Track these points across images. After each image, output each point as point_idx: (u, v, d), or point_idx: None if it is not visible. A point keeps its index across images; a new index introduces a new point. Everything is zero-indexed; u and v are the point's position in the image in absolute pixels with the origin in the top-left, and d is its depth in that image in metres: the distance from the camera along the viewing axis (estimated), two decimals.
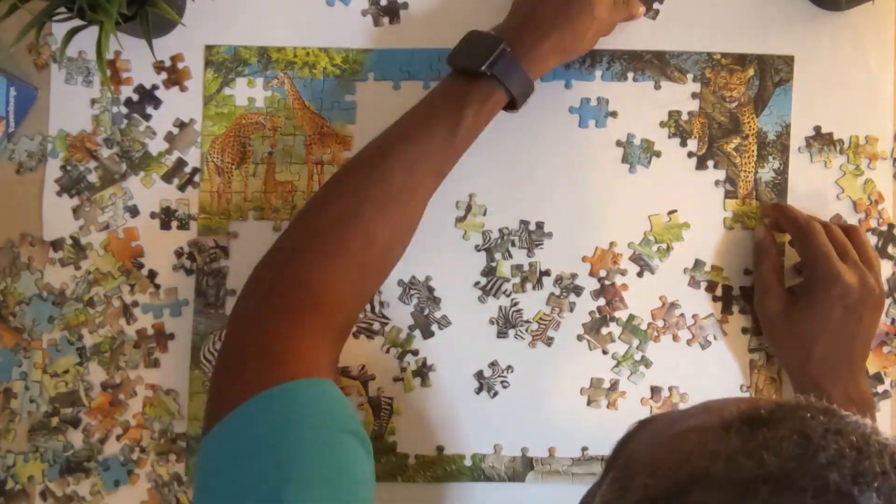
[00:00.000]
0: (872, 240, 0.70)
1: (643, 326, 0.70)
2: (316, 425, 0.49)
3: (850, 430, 0.32)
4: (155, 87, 0.71)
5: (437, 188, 0.63)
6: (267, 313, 0.56)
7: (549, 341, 0.70)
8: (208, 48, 0.71)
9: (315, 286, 0.56)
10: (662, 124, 0.71)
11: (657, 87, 0.71)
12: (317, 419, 0.49)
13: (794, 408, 0.34)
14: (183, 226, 0.71)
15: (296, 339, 0.53)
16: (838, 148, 0.71)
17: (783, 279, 0.67)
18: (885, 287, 0.70)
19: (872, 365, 0.70)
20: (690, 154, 0.71)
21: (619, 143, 0.70)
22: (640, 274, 0.70)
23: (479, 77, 0.60)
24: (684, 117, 0.71)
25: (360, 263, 0.59)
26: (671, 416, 0.42)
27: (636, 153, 0.70)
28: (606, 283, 0.70)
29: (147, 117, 0.71)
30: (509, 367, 0.70)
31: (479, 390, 0.69)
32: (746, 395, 0.69)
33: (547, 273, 0.70)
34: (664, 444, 0.38)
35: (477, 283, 0.70)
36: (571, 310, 0.70)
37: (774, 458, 0.31)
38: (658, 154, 0.70)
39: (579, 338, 0.70)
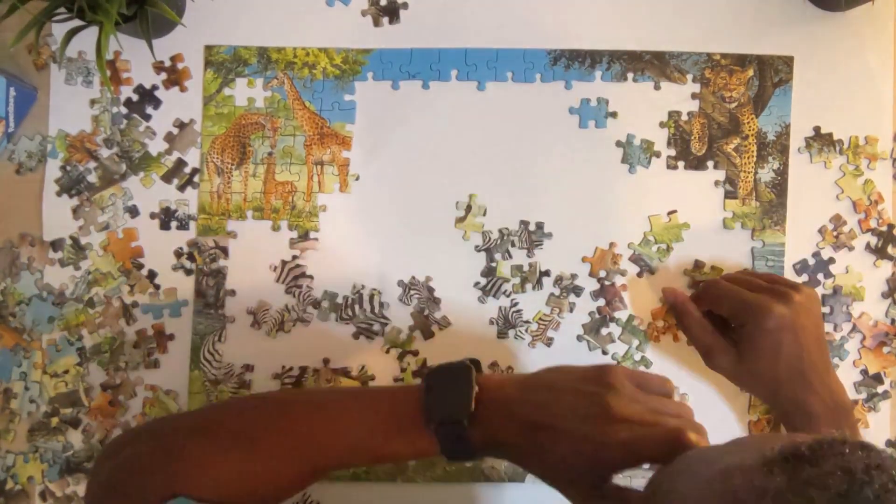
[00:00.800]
0: (872, 240, 0.70)
1: (643, 327, 0.70)
2: None
3: (890, 465, 0.33)
4: (155, 87, 0.71)
5: (314, 481, 0.55)
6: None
7: (549, 342, 0.70)
8: (208, 48, 0.71)
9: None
10: (662, 125, 0.71)
11: (657, 87, 0.71)
12: None
13: (832, 443, 0.34)
14: (182, 226, 0.71)
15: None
16: (838, 148, 0.71)
17: (714, 331, 0.64)
18: (885, 287, 0.70)
19: (872, 365, 0.70)
20: (690, 154, 0.71)
21: (618, 144, 0.70)
22: (639, 274, 0.70)
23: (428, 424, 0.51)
24: (684, 118, 0.71)
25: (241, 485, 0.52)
26: (705, 454, 0.41)
27: (636, 153, 0.70)
28: (606, 283, 0.70)
29: (147, 117, 0.71)
30: (509, 368, 0.70)
31: None
32: (746, 395, 0.69)
33: (547, 273, 0.70)
34: (707, 484, 0.37)
35: (477, 284, 0.70)
36: (571, 310, 0.70)
37: (822, 495, 0.32)
38: (658, 154, 0.70)
39: (579, 338, 0.70)
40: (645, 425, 0.49)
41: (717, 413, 0.69)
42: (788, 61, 0.71)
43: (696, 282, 0.70)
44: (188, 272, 0.70)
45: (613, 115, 0.70)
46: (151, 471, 0.52)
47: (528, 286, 0.70)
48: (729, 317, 0.64)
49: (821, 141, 0.71)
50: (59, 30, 0.71)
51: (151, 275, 0.70)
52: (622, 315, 0.70)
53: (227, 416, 0.56)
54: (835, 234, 0.70)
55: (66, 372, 0.70)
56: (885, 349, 0.70)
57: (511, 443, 0.51)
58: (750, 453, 0.36)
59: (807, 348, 0.61)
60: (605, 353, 0.70)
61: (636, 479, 0.66)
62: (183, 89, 0.71)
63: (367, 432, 0.53)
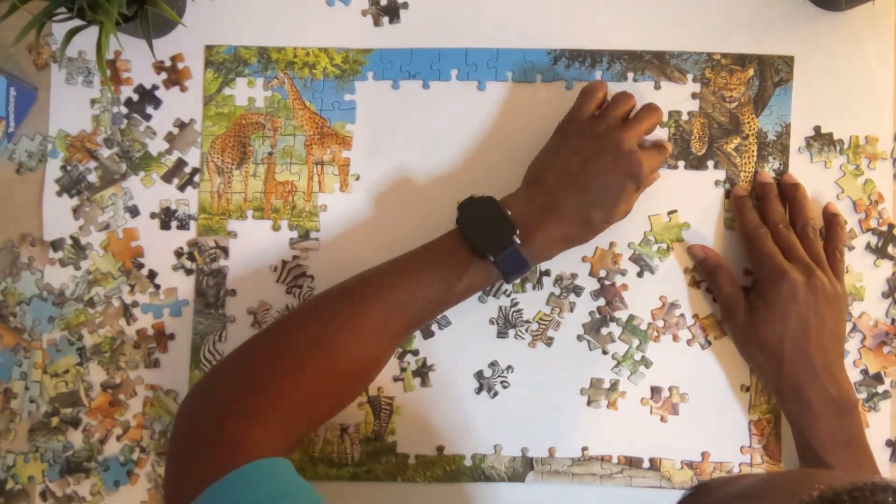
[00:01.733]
0: (873, 240, 0.70)
1: (643, 326, 0.70)
2: None
3: None
4: (155, 87, 0.71)
5: (409, 336, 0.67)
6: (219, 418, 0.56)
7: (549, 341, 0.70)
8: (208, 48, 0.71)
9: (267, 407, 0.57)
10: (662, 124, 0.71)
11: (657, 87, 0.71)
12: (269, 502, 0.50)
13: (872, 488, 0.33)
14: (183, 226, 0.71)
15: (246, 430, 0.55)
16: (838, 148, 0.71)
17: (741, 289, 0.67)
18: (885, 287, 0.70)
19: (872, 365, 0.70)
20: (690, 154, 0.71)
21: None
22: (640, 274, 0.70)
23: (484, 256, 0.61)
24: (684, 117, 0.71)
25: (315, 391, 0.59)
26: (735, 490, 0.41)
27: None
28: (606, 283, 0.70)
29: (147, 117, 0.71)
30: (509, 367, 0.70)
31: (479, 390, 0.69)
32: (746, 395, 0.69)
33: (547, 273, 0.70)
34: None
35: None
36: (571, 310, 0.70)
37: None
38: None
39: (579, 338, 0.70)
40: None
41: (717, 413, 0.69)
42: (789, 61, 0.71)
43: (696, 281, 0.70)
44: (188, 272, 0.70)
45: None
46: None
47: (529, 286, 0.70)
48: (753, 269, 0.67)
49: (821, 141, 0.71)
50: (59, 29, 0.71)
51: (152, 275, 0.70)
52: (622, 315, 0.70)
53: (299, 326, 0.61)
54: None
55: (66, 372, 0.70)
56: (886, 349, 0.70)
57: (564, 239, 0.63)
58: (788, 498, 0.35)
59: (818, 332, 0.62)
60: (605, 352, 0.70)
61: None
62: (183, 89, 0.71)
63: (439, 285, 0.61)
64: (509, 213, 0.61)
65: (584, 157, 0.63)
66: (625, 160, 0.62)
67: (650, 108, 0.66)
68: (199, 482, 0.51)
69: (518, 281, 0.70)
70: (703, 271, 0.69)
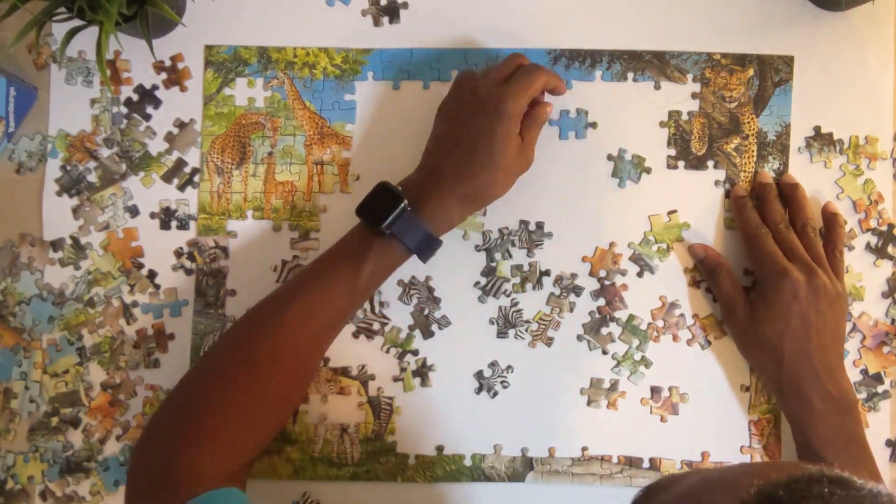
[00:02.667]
0: (873, 240, 0.70)
1: (643, 326, 0.70)
2: None
3: (869, 502, 0.33)
4: (155, 87, 0.71)
5: (333, 340, 0.66)
6: (164, 456, 0.59)
7: (549, 341, 0.70)
8: (208, 48, 0.71)
9: (206, 436, 0.59)
10: (662, 124, 0.71)
11: (657, 87, 0.71)
12: None
13: (808, 481, 0.34)
14: (183, 226, 0.71)
15: (189, 463, 0.57)
16: (838, 148, 0.71)
17: (742, 287, 0.67)
18: (885, 287, 0.70)
19: (872, 365, 0.70)
20: (690, 154, 0.71)
21: (609, 158, 0.70)
22: (640, 274, 0.70)
23: (381, 233, 0.61)
24: (684, 117, 0.71)
25: (249, 410, 0.60)
26: (680, 491, 0.41)
27: (626, 168, 0.70)
28: (606, 283, 0.70)
29: (147, 117, 0.71)
30: (509, 367, 0.70)
31: (479, 390, 0.69)
32: (746, 395, 0.69)
33: (547, 273, 0.70)
34: None
35: (477, 283, 0.70)
36: (571, 310, 0.70)
37: None
38: (648, 170, 0.70)
39: (579, 338, 0.70)
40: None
41: (717, 413, 0.69)
42: (789, 61, 0.71)
43: (696, 281, 0.70)
44: (188, 272, 0.70)
45: (593, 125, 0.70)
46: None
47: (529, 286, 0.70)
48: (754, 268, 0.67)
49: (821, 140, 0.71)
50: (59, 29, 0.71)
51: (151, 274, 0.70)
52: (622, 315, 0.70)
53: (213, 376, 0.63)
54: None
55: (66, 372, 0.70)
56: (886, 349, 0.70)
57: (455, 197, 0.62)
58: (726, 495, 0.36)
59: (818, 331, 0.62)
60: (605, 352, 0.70)
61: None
62: (183, 89, 0.71)
63: (347, 275, 0.62)
64: (399, 188, 0.63)
65: (452, 115, 0.65)
66: (487, 102, 0.62)
67: (530, 67, 0.64)
68: None
69: (518, 280, 0.70)
70: (703, 270, 0.69)
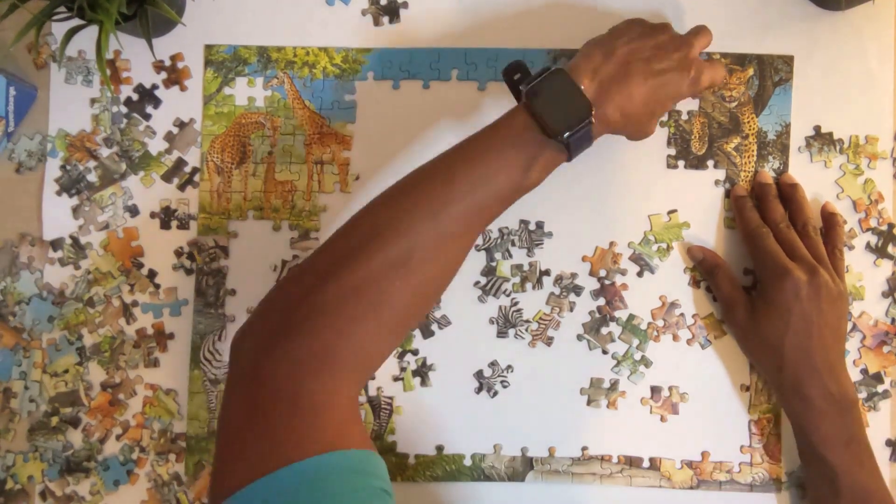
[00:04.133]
0: (873, 239, 0.70)
1: (643, 326, 0.70)
2: None
3: None
4: (155, 86, 0.71)
5: (476, 237, 0.59)
6: (295, 363, 0.48)
7: (549, 341, 0.70)
8: (208, 48, 0.71)
9: (347, 347, 0.50)
10: (662, 124, 0.71)
11: None
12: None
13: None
14: (183, 225, 0.71)
15: (328, 395, 0.48)
16: (838, 147, 0.71)
17: (741, 287, 0.68)
18: (885, 287, 0.70)
19: (872, 365, 0.70)
20: (690, 154, 0.71)
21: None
22: (640, 274, 0.70)
23: (553, 137, 0.55)
24: (684, 117, 0.71)
25: (397, 323, 0.53)
26: None
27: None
28: (606, 282, 0.70)
29: (147, 117, 0.71)
30: (509, 367, 0.70)
31: (478, 390, 0.69)
32: (746, 395, 0.69)
33: (547, 273, 0.70)
34: None
35: (477, 283, 0.70)
36: (571, 309, 0.70)
37: None
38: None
39: (579, 337, 0.70)
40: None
41: (717, 413, 0.69)
42: (788, 60, 0.71)
43: (696, 280, 0.70)
44: (188, 271, 0.70)
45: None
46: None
47: (529, 285, 0.70)
48: (755, 267, 0.67)
49: (821, 140, 0.71)
50: (58, 29, 0.71)
51: (151, 274, 0.70)
52: (622, 314, 0.70)
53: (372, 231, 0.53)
54: None
55: (66, 371, 0.70)
56: (886, 348, 0.70)
57: (617, 115, 0.58)
58: None
59: (819, 330, 0.62)
60: (605, 352, 0.70)
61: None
62: (183, 88, 0.71)
63: (514, 172, 0.55)
64: (582, 87, 0.56)
65: (656, 42, 0.61)
66: (687, 60, 0.61)
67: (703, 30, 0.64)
68: (279, 449, 0.44)
69: (518, 280, 0.70)
70: (702, 272, 0.69)
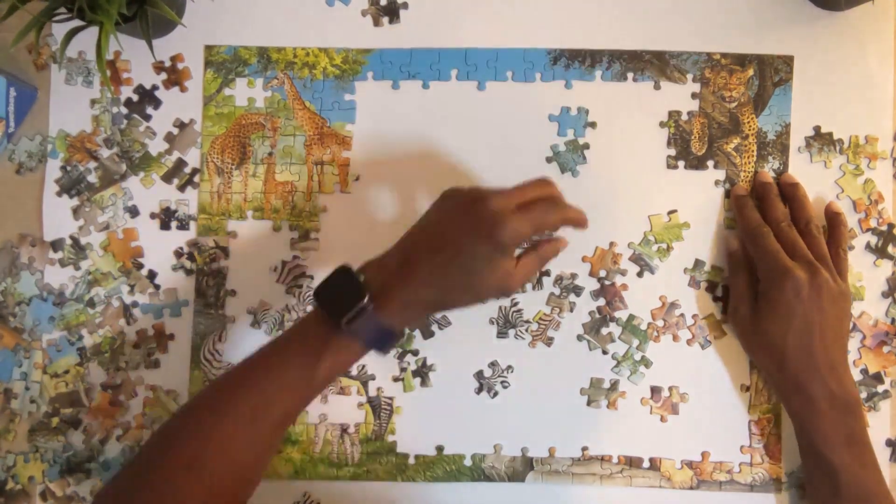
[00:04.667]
0: (873, 239, 0.70)
1: (643, 326, 0.70)
2: None
3: None
4: (155, 87, 0.71)
5: (282, 436, 0.60)
6: None
7: (549, 341, 0.70)
8: (208, 48, 0.71)
9: None
10: (662, 124, 0.71)
11: (657, 87, 0.71)
12: None
13: None
14: (183, 226, 0.71)
15: None
16: (838, 148, 0.71)
17: (755, 291, 0.66)
18: (885, 287, 0.70)
19: (872, 364, 0.70)
20: (690, 154, 0.71)
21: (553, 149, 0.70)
22: (640, 274, 0.70)
23: (339, 327, 0.55)
24: (684, 117, 0.71)
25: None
26: None
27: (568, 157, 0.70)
28: (606, 283, 0.70)
29: (147, 118, 0.71)
30: (509, 367, 0.70)
31: (479, 390, 0.70)
32: (746, 395, 0.69)
33: (547, 273, 0.70)
34: None
35: None
36: (571, 310, 0.70)
37: None
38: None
39: (579, 338, 0.70)
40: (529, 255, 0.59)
41: (717, 413, 0.69)
42: (788, 61, 0.71)
43: (696, 280, 0.70)
44: (188, 272, 0.70)
45: (593, 125, 0.70)
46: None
47: (529, 286, 0.70)
48: (757, 267, 0.66)
49: (821, 140, 0.71)
50: (59, 30, 0.71)
51: (151, 275, 0.70)
52: (622, 315, 0.70)
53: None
54: None
55: (67, 372, 0.70)
56: (886, 348, 0.70)
57: (421, 302, 0.57)
58: None
59: (821, 329, 0.62)
60: (605, 352, 0.70)
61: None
62: (183, 89, 0.71)
63: (299, 373, 0.56)
64: (362, 277, 0.56)
65: (449, 216, 0.57)
66: (486, 222, 0.54)
67: (550, 203, 0.58)
68: None
69: None
70: (729, 264, 0.69)
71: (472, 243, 0.55)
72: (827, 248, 0.66)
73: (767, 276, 0.65)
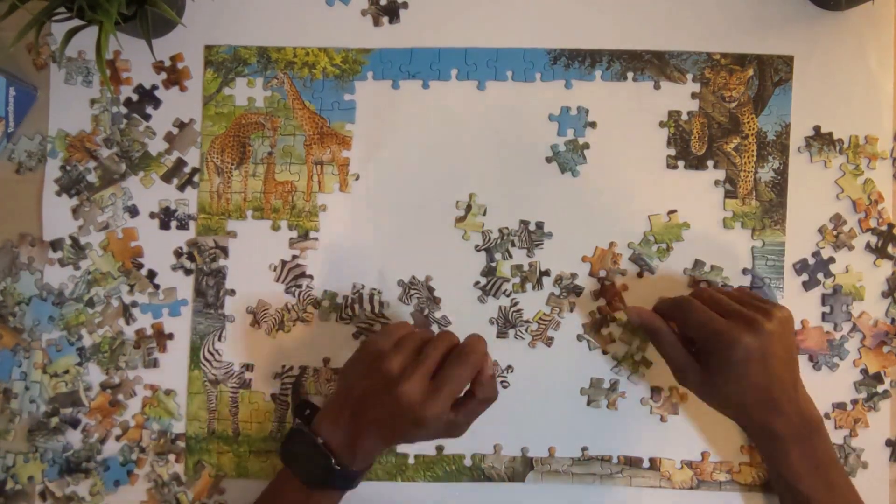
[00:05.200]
0: (872, 239, 0.70)
1: None
2: None
3: None
4: (154, 87, 0.71)
5: None
6: None
7: (549, 341, 0.70)
8: (208, 48, 0.71)
9: None
10: (662, 124, 0.71)
11: (657, 87, 0.71)
12: None
13: None
14: (182, 226, 0.71)
15: None
16: (838, 148, 0.71)
17: (686, 351, 0.62)
18: (885, 287, 0.70)
19: (872, 364, 0.70)
20: (690, 154, 0.71)
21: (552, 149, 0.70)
22: (639, 274, 0.70)
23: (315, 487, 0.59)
24: (684, 117, 0.71)
25: None
26: None
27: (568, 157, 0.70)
28: (606, 283, 0.70)
29: (147, 117, 0.71)
30: (509, 367, 0.70)
31: None
32: None
33: (547, 273, 0.70)
34: None
35: (477, 283, 0.70)
36: (571, 310, 0.70)
37: None
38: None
39: (579, 338, 0.70)
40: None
41: (717, 414, 0.69)
42: (788, 61, 0.71)
43: (696, 281, 0.70)
44: (188, 272, 0.70)
45: (593, 125, 0.70)
46: None
47: (529, 286, 0.70)
48: (697, 342, 0.62)
49: (821, 140, 0.71)
50: (58, 29, 0.71)
51: (151, 274, 0.70)
52: (622, 315, 0.70)
53: None
54: (835, 233, 0.70)
55: (66, 372, 0.70)
56: (886, 348, 0.70)
57: (378, 445, 0.60)
58: None
59: (776, 374, 0.59)
60: (605, 352, 0.70)
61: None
62: (183, 89, 0.71)
63: None
64: (321, 440, 0.59)
65: (371, 388, 0.59)
66: (409, 412, 0.57)
67: (465, 357, 0.59)
68: None
69: (518, 280, 0.70)
70: (646, 333, 0.65)
71: (401, 424, 0.58)
72: (743, 289, 0.64)
73: (710, 345, 0.60)
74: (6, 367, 0.70)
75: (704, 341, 0.61)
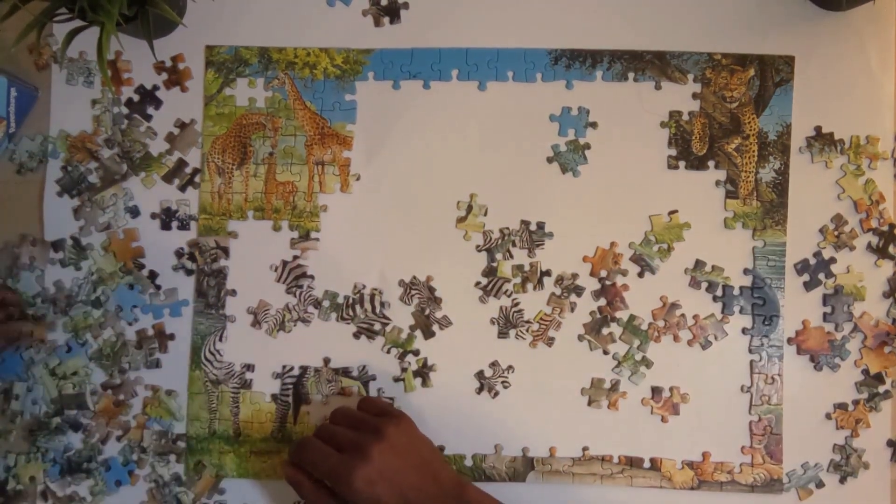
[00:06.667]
0: (874, 240, 0.70)
1: (644, 327, 0.70)
2: None
3: None
4: (156, 87, 0.71)
5: None
6: None
7: (549, 341, 0.70)
8: (209, 48, 0.71)
9: None
10: (663, 124, 0.71)
11: (657, 87, 0.71)
12: None
13: None
14: (183, 226, 0.71)
15: None
16: (839, 148, 0.71)
17: (328, 494, 0.61)
18: (886, 287, 0.70)
19: (873, 365, 0.70)
20: (691, 154, 0.71)
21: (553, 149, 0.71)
22: (640, 274, 0.70)
23: None
24: (685, 117, 0.71)
25: None
26: None
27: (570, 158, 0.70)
28: (607, 283, 0.70)
29: (148, 118, 0.71)
30: (510, 368, 0.70)
31: (479, 390, 0.69)
32: (747, 395, 0.69)
33: (548, 273, 0.70)
34: None
35: (478, 284, 0.70)
36: (572, 310, 0.70)
37: None
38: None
39: (580, 338, 0.70)
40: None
41: (718, 413, 0.69)
42: (789, 61, 0.71)
43: (696, 281, 0.70)
44: (189, 272, 0.70)
45: (594, 125, 0.70)
46: None
47: (529, 286, 0.70)
48: (326, 481, 0.61)
49: (822, 141, 0.71)
50: (60, 30, 0.71)
51: (152, 275, 0.70)
52: (623, 315, 0.70)
53: None
54: (836, 233, 0.70)
55: (75, 374, 0.70)
56: (887, 349, 0.70)
57: None
58: None
59: (408, 484, 0.59)
60: (605, 352, 0.70)
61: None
62: (184, 89, 0.71)
63: None
64: None
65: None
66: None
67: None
68: None
69: (519, 280, 0.70)
70: (297, 490, 0.63)
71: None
72: (368, 404, 0.65)
73: (335, 483, 0.60)
74: (8, 366, 0.70)
75: (328, 480, 0.60)
